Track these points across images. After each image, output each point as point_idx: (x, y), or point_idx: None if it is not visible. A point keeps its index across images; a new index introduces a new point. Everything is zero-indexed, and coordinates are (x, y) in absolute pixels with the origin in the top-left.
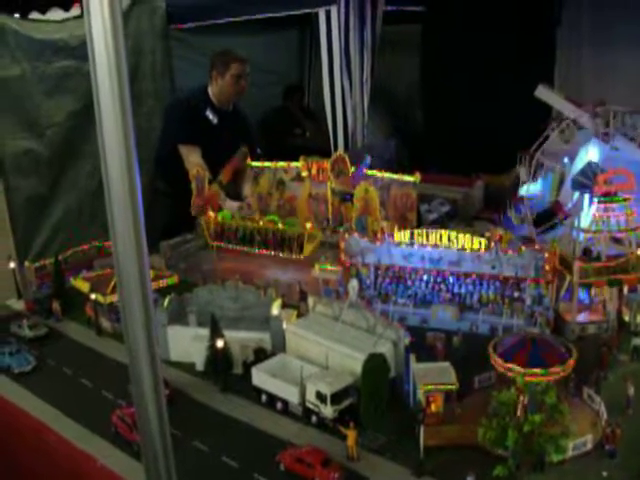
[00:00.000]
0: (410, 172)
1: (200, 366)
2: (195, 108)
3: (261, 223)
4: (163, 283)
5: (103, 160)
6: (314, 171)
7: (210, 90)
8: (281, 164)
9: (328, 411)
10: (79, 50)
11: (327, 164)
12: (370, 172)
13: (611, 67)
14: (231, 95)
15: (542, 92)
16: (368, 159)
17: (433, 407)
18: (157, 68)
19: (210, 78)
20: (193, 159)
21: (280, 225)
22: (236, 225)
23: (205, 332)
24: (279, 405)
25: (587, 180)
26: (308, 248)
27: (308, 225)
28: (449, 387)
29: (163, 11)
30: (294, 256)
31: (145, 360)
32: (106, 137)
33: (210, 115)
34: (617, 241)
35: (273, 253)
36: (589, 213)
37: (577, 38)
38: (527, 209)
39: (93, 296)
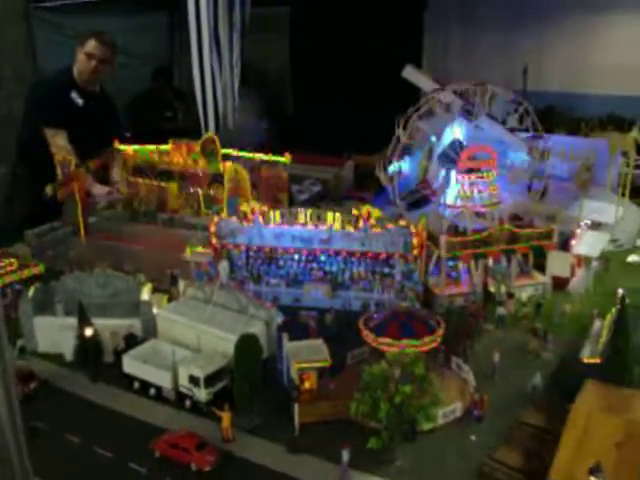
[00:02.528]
0: (281, 153)
1: (69, 356)
2: (59, 90)
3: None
4: (28, 273)
5: None
6: (184, 153)
7: (74, 69)
8: (150, 147)
9: (202, 394)
10: None
11: (197, 146)
12: (242, 153)
13: (477, 49)
14: (85, 75)
15: (409, 72)
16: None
17: (307, 384)
18: (18, 50)
19: (74, 56)
20: (59, 142)
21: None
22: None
23: (73, 321)
24: (152, 391)
25: (452, 157)
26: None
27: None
28: (322, 364)
29: None
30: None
31: None
32: None
33: (75, 97)
34: (481, 216)
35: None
36: (454, 189)
37: (444, 22)
38: (395, 187)
39: None
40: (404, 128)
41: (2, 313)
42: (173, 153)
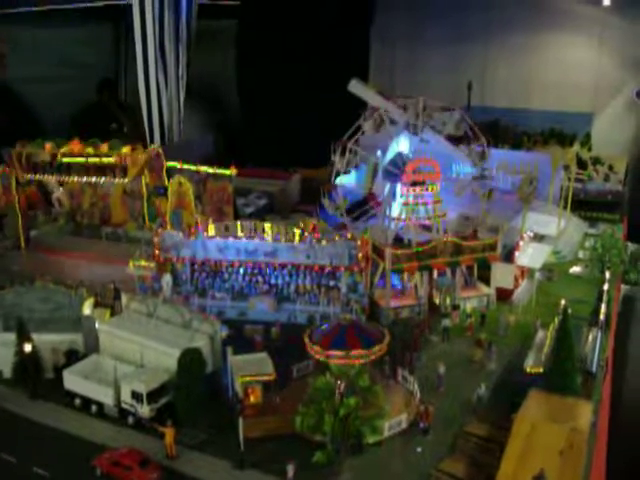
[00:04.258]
0: (227, 166)
1: (7, 373)
2: None
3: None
4: None
5: None
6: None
7: None
8: (92, 160)
9: (145, 410)
10: None
11: (142, 158)
12: (187, 166)
13: (422, 64)
14: None
15: (355, 86)
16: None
17: (252, 398)
18: None
19: None
20: None
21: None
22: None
23: (12, 337)
24: (93, 408)
25: (396, 170)
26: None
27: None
28: (266, 377)
29: None
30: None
31: None
32: None
33: None
34: (426, 228)
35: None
36: (399, 202)
37: (390, 37)
38: (340, 198)
39: None
40: (342, 154)
41: None
42: (72, 144)
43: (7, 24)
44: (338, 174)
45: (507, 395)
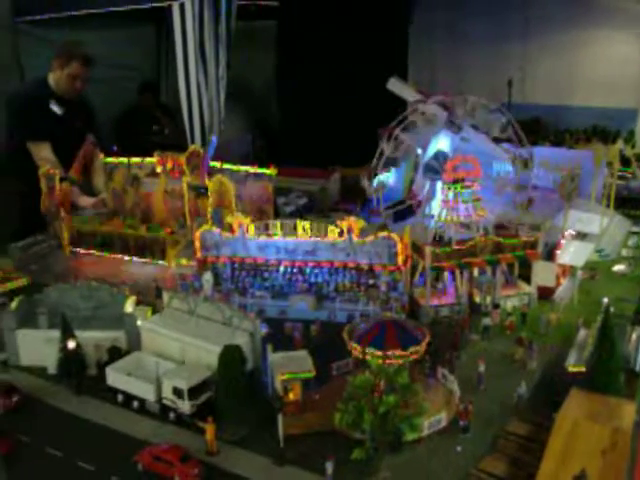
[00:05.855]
0: (267, 166)
1: (52, 369)
2: (36, 101)
3: (121, 229)
4: (12, 285)
5: None
6: (169, 166)
7: (50, 79)
8: (135, 159)
9: (186, 406)
10: None
11: (182, 159)
12: (228, 165)
13: (462, 62)
14: (66, 91)
15: (394, 84)
16: (214, 140)
17: (291, 395)
18: (4, 64)
19: (52, 66)
20: (43, 155)
21: (142, 231)
22: (94, 230)
23: (56, 334)
24: (135, 404)
25: (436, 168)
26: (172, 254)
27: (167, 231)
28: (306, 375)
29: (8, 2)
30: (158, 261)
31: None
32: None
33: (55, 107)
34: (465, 226)
35: (134, 258)
36: (439, 200)
37: (429, 35)
38: (380, 199)
39: None
40: (387, 140)
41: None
42: (113, 221)
43: (49, 27)
44: (388, 160)
45: (548, 394)
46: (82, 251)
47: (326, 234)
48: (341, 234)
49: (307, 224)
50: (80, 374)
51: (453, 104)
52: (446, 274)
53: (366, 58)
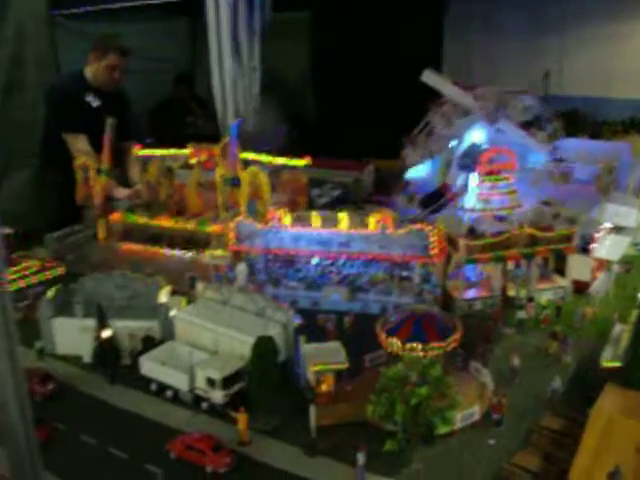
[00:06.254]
0: (301, 157)
1: (88, 358)
2: (73, 94)
3: (169, 224)
4: (50, 274)
5: None
6: (203, 157)
7: (87, 72)
8: (169, 151)
9: (218, 396)
10: None
11: (216, 150)
12: (261, 157)
13: (497, 54)
14: (103, 83)
15: (428, 77)
16: (238, 121)
17: (324, 387)
18: (41, 56)
19: (88, 59)
20: (79, 147)
21: (192, 226)
22: (143, 225)
23: (92, 323)
24: (169, 393)
25: (471, 160)
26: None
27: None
28: (339, 366)
29: None
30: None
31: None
32: None
33: (90, 99)
34: (500, 219)
35: (182, 253)
36: (474, 193)
37: (465, 27)
38: (414, 191)
39: None
40: (412, 150)
41: (14, 314)
42: (192, 157)
43: (85, 21)
44: (410, 167)
45: (583, 389)
46: (129, 245)
47: (365, 226)
48: (375, 226)
49: (342, 216)
50: (114, 363)
51: (485, 96)
52: (480, 267)
53: (401, 50)
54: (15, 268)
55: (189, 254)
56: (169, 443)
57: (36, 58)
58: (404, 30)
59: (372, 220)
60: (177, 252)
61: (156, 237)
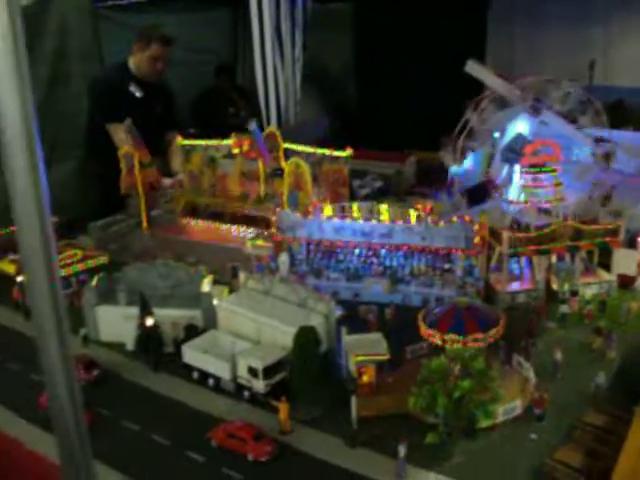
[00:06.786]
0: (343, 148)
1: (131, 345)
2: (117, 85)
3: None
4: (94, 262)
5: (4, 151)
6: (246, 147)
7: (131, 63)
8: (212, 141)
9: (260, 385)
10: None
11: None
12: (303, 148)
13: (542, 43)
14: (147, 74)
15: (472, 67)
16: (253, 124)
17: (365, 378)
18: (85, 48)
19: (132, 50)
20: (123, 137)
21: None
22: (207, 203)
23: (135, 311)
24: (211, 382)
25: (515, 152)
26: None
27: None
28: (380, 357)
29: None
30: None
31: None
32: (8, 130)
33: (134, 89)
34: (544, 211)
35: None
36: (518, 185)
37: (507, 18)
38: (458, 188)
39: (20, 278)
40: (452, 150)
41: (65, 301)
42: (234, 147)
43: (127, 12)
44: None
45: (628, 385)
46: (158, 230)
47: (408, 218)
48: (418, 218)
49: (384, 207)
50: (157, 351)
51: (534, 87)
52: (523, 260)
53: (444, 42)
54: (60, 256)
55: (250, 232)
56: (210, 431)
57: (80, 50)
58: (448, 24)
59: (413, 212)
60: (242, 230)
61: (217, 216)
